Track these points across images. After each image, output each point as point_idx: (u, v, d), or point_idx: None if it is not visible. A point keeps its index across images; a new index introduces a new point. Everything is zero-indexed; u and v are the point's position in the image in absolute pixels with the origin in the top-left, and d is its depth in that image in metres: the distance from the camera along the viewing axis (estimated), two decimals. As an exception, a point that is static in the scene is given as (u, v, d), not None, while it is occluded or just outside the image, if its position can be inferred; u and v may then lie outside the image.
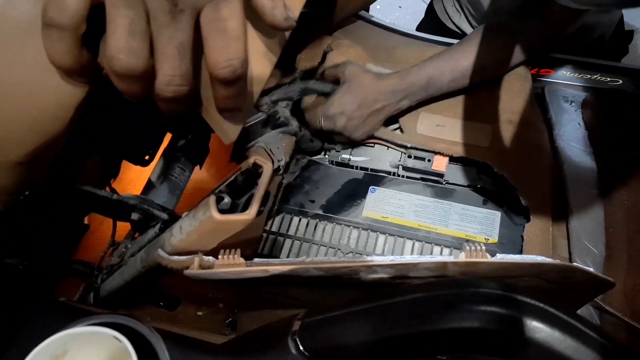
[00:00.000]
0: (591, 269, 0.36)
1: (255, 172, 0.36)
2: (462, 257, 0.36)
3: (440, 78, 0.66)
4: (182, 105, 0.30)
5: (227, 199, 0.37)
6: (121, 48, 0.26)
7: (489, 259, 0.35)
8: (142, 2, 0.26)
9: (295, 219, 0.68)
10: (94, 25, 0.27)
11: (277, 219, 0.68)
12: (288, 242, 0.66)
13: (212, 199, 0.32)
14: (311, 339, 0.30)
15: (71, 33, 0.27)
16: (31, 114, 0.30)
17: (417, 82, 0.66)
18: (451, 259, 0.35)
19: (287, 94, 0.61)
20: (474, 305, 0.25)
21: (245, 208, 0.36)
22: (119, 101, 0.39)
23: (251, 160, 0.35)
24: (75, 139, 0.35)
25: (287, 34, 0.35)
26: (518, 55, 0.68)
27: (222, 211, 0.33)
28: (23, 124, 0.30)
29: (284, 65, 0.67)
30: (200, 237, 0.35)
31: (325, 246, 0.65)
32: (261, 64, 0.33)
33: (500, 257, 0.35)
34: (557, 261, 0.34)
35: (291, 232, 0.67)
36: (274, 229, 0.67)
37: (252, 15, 0.30)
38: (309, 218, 0.68)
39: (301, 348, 0.30)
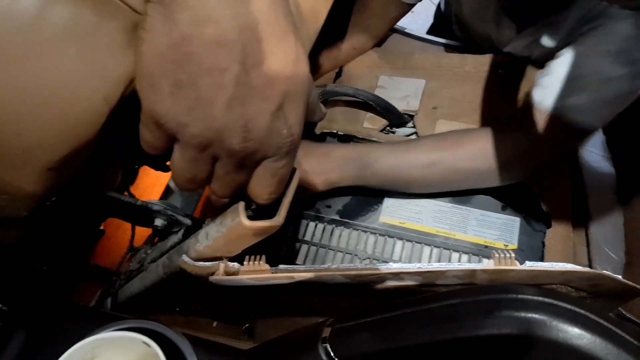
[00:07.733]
0: (620, 277, 0.36)
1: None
2: (490, 264, 0.35)
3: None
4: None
5: (253, 205, 0.37)
6: (183, 184, 0.30)
7: (518, 266, 0.34)
8: (210, 156, 0.28)
9: (312, 225, 0.68)
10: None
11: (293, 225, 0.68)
12: (304, 247, 0.66)
13: (241, 205, 0.32)
14: (344, 346, 0.29)
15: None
16: (64, 119, 0.30)
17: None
18: (480, 266, 0.35)
19: None
20: (514, 311, 0.24)
21: (272, 212, 0.35)
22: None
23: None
24: (101, 144, 0.35)
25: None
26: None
27: (249, 217, 0.33)
28: (56, 129, 0.30)
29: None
30: (227, 244, 0.35)
31: (342, 252, 0.65)
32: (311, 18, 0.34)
33: (530, 265, 0.34)
34: (588, 269, 0.34)
35: (307, 237, 0.67)
36: (289, 234, 0.67)
37: None
38: (325, 223, 0.68)
39: (332, 355, 0.30)
